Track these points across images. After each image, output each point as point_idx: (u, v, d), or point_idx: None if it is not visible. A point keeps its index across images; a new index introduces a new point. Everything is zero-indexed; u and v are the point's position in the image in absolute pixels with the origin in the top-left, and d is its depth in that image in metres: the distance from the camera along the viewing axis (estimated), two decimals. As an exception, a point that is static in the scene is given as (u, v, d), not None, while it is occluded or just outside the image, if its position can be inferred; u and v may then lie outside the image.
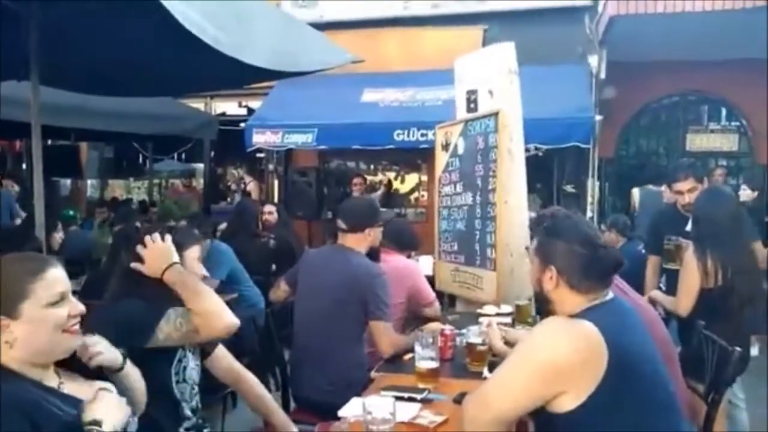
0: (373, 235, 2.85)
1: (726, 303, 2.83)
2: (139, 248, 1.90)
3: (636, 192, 6.11)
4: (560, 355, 1.56)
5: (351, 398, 2.21)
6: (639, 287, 3.88)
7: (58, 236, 4.08)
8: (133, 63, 3.90)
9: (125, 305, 1.86)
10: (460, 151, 4.02)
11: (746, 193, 5.35)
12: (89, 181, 10.65)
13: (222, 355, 2.15)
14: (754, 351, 3.15)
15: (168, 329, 1.83)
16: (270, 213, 5.33)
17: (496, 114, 3.63)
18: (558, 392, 1.57)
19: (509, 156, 3.69)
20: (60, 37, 3.62)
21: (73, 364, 1.51)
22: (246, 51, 2.96)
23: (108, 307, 1.91)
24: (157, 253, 1.89)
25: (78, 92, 4.67)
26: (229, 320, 1.89)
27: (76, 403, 1.40)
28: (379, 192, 7.40)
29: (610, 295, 1.73)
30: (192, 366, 2.01)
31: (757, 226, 3.49)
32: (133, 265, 1.90)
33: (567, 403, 1.57)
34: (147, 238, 1.91)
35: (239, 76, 3.60)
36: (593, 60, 6.83)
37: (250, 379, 2.17)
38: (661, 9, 5.92)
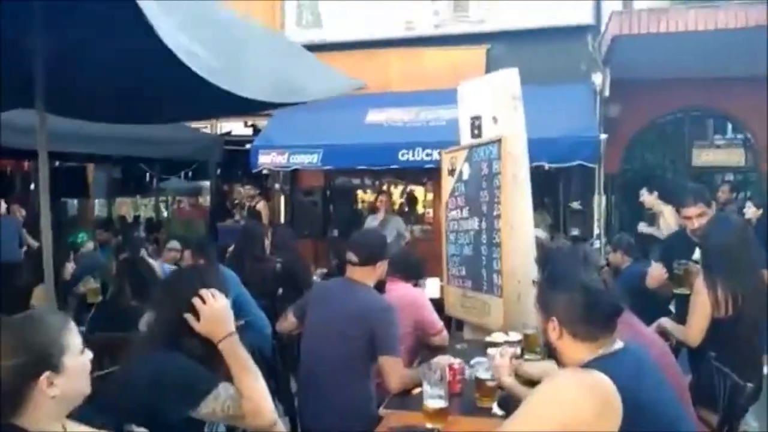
0: (382, 269, 2.86)
1: (736, 331, 2.81)
2: (196, 302, 1.77)
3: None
4: (574, 411, 1.55)
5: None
6: (646, 308, 3.88)
7: (70, 266, 4.09)
8: (135, 91, 3.92)
9: (182, 364, 1.74)
10: (465, 176, 4.03)
11: (751, 211, 5.32)
12: (96, 201, 10.72)
13: None
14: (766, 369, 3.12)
15: (214, 406, 1.71)
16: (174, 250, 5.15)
17: (499, 141, 3.64)
18: None
19: (514, 181, 3.69)
20: (63, 66, 3.65)
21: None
22: (245, 83, 2.95)
23: (158, 357, 1.77)
24: (217, 315, 1.78)
25: (82, 119, 4.70)
26: (274, 415, 1.79)
27: None
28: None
29: (619, 343, 1.72)
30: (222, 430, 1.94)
31: (764, 245, 3.46)
32: (187, 316, 1.77)
33: None
34: (206, 293, 1.78)
35: (241, 105, 3.60)
36: (597, 78, 6.85)
37: None
38: (663, 29, 5.94)
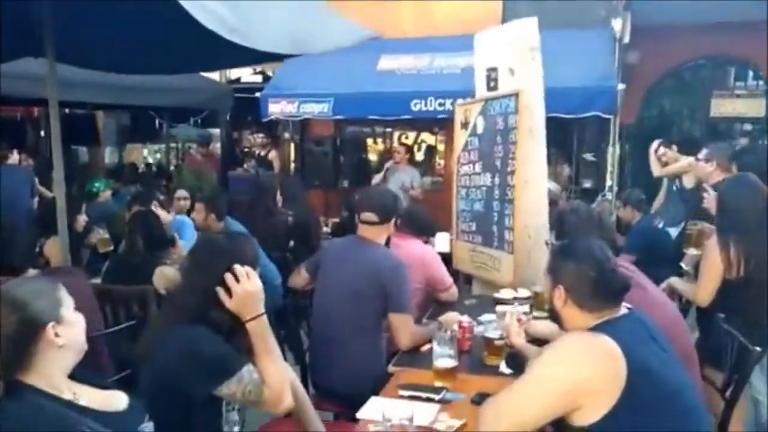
0: (392, 226, 2.86)
1: (746, 293, 2.79)
2: (229, 278, 1.76)
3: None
4: (579, 372, 1.59)
5: (369, 388, 2.27)
6: (655, 261, 3.87)
7: (82, 219, 4.11)
8: (145, 41, 3.86)
9: (213, 340, 1.75)
10: (480, 130, 3.97)
11: None
12: (107, 148, 10.72)
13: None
14: None
15: (236, 389, 1.71)
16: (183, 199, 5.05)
17: (516, 95, 3.56)
18: (578, 406, 1.60)
19: (530, 135, 3.64)
20: (73, 15, 3.59)
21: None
22: (259, 35, 2.88)
23: (189, 331, 1.76)
24: (250, 295, 1.77)
25: (91, 69, 4.64)
26: (291, 402, 1.82)
27: (97, 416, 1.44)
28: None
29: (624, 309, 1.75)
30: None
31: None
32: (219, 291, 1.77)
33: (588, 415, 1.60)
34: (241, 272, 1.77)
35: (252, 56, 3.53)
36: (617, 24, 6.58)
37: (306, 401, 2.16)
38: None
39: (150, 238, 3.50)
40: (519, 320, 2.49)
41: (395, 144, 7.60)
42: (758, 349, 2.29)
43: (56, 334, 1.43)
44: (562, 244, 1.94)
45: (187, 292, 1.86)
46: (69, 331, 1.47)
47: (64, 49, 3.76)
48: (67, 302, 1.50)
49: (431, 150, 8.45)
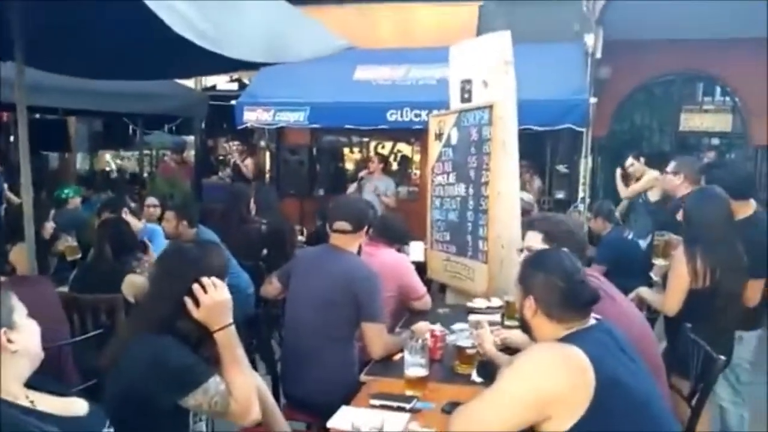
0: (364, 234, 2.86)
1: (712, 303, 2.86)
2: (197, 289, 1.75)
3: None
4: (548, 382, 1.60)
5: (340, 398, 2.25)
6: (626, 272, 3.94)
7: (50, 226, 4.03)
8: (119, 47, 3.81)
9: (180, 350, 1.72)
10: (454, 141, 4.00)
11: None
12: (78, 154, 10.52)
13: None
14: (753, 342, 3.18)
15: (202, 400, 1.70)
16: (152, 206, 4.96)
17: (490, 106, 3.60)
18: (547, 416, 1.61)
19: (503, 147, 3.67)
20: (45, 18, 3.53)
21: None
22: (233, 43, 2.87)
23: (155, 340, 1.73)
24: (218, 305, 1.76)
25: (63, 74, 4.56)
26: (258, 414, 1.80)
27: (57, 421, 1.41)
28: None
29: (592, 321, 1.78)
30: None
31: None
32: (186, 300, 1.75)
33: (557, 425, 1.61)
34: (209, 283, 1.76)
35: (226, 64, 3.51)
36: (589, 39, 6.71)
37: (256, 377, 2.13)
38: (658, -11, 5.83)
39: (119, 246, 3.45)
40: (492, 329, 2.51)
41: (371, 154, 7.64)
42: (722, 358, 2.34)
43: (9, 341, 1.41)
44: (532, 255, 1.96)
45: (155, 301, 1.84)
46: (22, 338, 1.44)
47: (34, 52, 3.69)
48: (20, 309, 1.48)
49: (407, 160, 8.50)
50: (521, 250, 2.49)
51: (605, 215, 4.83)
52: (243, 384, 1.76)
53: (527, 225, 2.57)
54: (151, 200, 5.02)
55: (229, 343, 1.78)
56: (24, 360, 1.45)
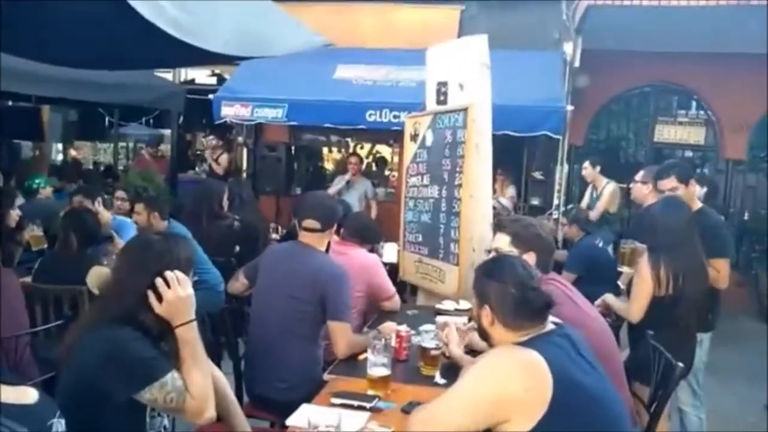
0: (333, 232, 2.86)
1: (674, 311, 2.91)
2: (160, 284, 1.73)
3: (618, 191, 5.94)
4: (506, 385, 1.61)
5: (304, 396, 2.24)
6: (596, 279, 4.00)
7: (15, 214, 3.95)
8: (95, 35, 3.74)
9: (137, 343, 1.70)
10: (429, 143, 4.01)
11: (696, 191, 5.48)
12: (52, 144, 10.33)
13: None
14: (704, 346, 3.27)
15: (158, 395, 1.67)
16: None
17: (465, 109, 3.62)
18: (505, 419, 1.62)
19: (476, 150, 3.69)
20: (20, 3, 3.46)
21: None
22: (210, 36, 2.85)
23: (112, 331, 1.71)
24: (180, 301, 1.74)
25: (38, 61, 4.47)
26: (214, 413, 1.77)
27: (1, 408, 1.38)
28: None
29: (550, 325, 1.79)
30: None
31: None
32: (149, 295, 1.73)
33: (516, 428, 1.61)
34: (172, 279, 1.74)
35: (204, 56, 3.48)
36: (568, 48, 6.79)
37: (220, 377, 2.09)
38: (637, 1, 5.91)
39: (84, 236, 3.38)
40: (456, 330, 2.51)
41: (351, 155, 7.64)
42: (681, 365, 2.37)
43: None
44: (485, 263, 1.95)
45: (117, 292, 1.81)
46: None
47: (7, 38, 3.62)
48: None
49: (384, 161, 8.51)
50: (489, 251, 2.51)
51: (581, 223, 4.90)
52: (201, 381, 1.74)
53: (496, 227, 2.60)
54: (120, 193, 4.95)
55: (190, 339, 1.77)
56: None
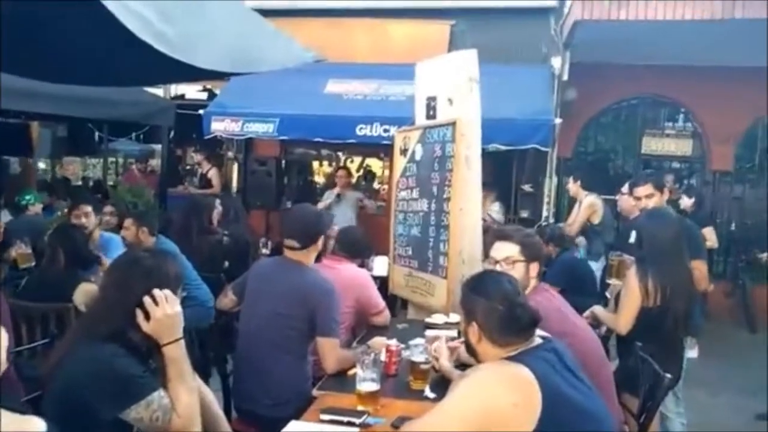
0: (320, 244, 2.84)
1: (662, 322, 2.92)
2: (148, 302, 1.73)
3: (598, 201, 5.98)
4: (495, 401, 1.62)
5: (292, 412, 2.23)
6: (577, 291, 4.04)
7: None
8: (86, 52, 3.74)
9: (123, 361, 1.68)
10: (418, 157, 4.03)
11: (685, 202, 5.53)
12: (41, 160, 10.28)
13: None
14: (693, 353, 3.30)
15: (144, 414, 1.66)
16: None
17: (453, 123, 3.64)
18: None
19: (466, 164, 3.71)
20: (9, 20, 3.46)
21: None
22: (199, 52, 2.85)
23: (99, 348, 1.69)
24: (168, 319, 1.74)
25: (28, 77, 4.46)
26: (199, 428, 1.77)
27: None
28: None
29: (537, 340, 1.79)
30: None
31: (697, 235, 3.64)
32: (137, 313, 1.72)
33: None
34: (160, 297, 1.74)
35: (193, 73, 3.48)
36: (556, 62, 6.87)
37: (208, 393, 2.07)
38: (624, 16, 5.99)
39: (72, 254, 3.36)
40: (446, 344, 2.49)
41: (341, 169, 7.68)
42: (669, 376, 2.38)
43: None
44: (471, 279, 1.95)
45: (105, 310, 1.80)
46: None
47: (-2, 55, 3.61)
48: None
49: (373, 175, 8.54)
50: (497, 263, 2.46)
51: (556, 240, 4.92)
52: (187, 399, 1.73)
53: (500, 236, 2.53)
54: (109, 208, 4.92)
55: (177, 357, 1.76)
56: None
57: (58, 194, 7.04)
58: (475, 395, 1.66)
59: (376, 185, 8.53)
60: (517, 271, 2.36)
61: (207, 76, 4.23)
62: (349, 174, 7.38)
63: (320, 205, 6.81)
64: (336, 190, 6.99)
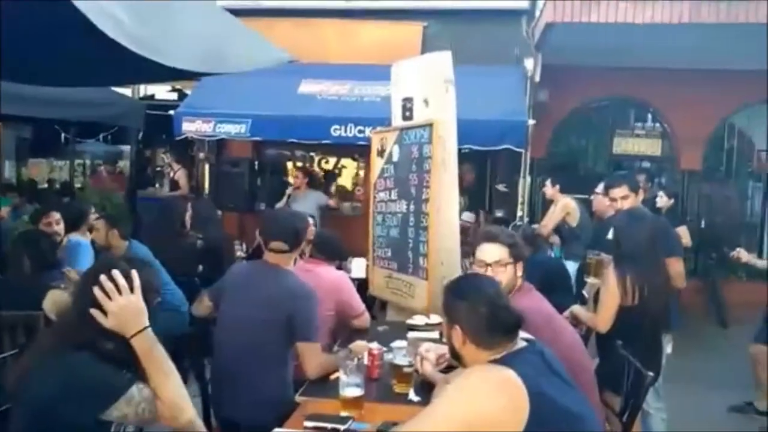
0: (303, 246, 2.81)
1: (641, 320, 2.96)
2: (98, 293, 1.64)
3: (573, 204, 5.98)
4: (482, 405, 1.60)
5: (274, 419, 2.18)
6: (552, 290, 4.05)
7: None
8: (53, 51, 3.63)
9: (90, 369, 1.62)
10: (395, 158, 4.01)
11: (663, 200, 5.63)
12: (7, 162, 9.95)
13: None
14: (668, 349, 3.35)
15: (127, 410, 1.61)
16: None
17: (431, 125, 3.63)
18: None
19: (443, 165, 3.70)
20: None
21: None
22: (170, 51, 2.78)
23: (66, 360, 1.63)
24: (125, 310, 1.65)
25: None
26: (191, 413, 1.71)
27: None
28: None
29: (522, 343, 1.78)
30: None
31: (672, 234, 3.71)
32: (94, 312, 1.64)
33: None
34: (109, 287, 1.64)
35: (164, 73, 3.40)
36: (529, 63, 6.93)
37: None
38: (595, 18, 6.07)
39: (37, 260, 3.23)
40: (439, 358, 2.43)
41: (298, 169, 7.65)
42: (651, 374, 2.40)
43: None
44: (453, 282, 1.93)
45: (76, 319, 1.72)
46: None
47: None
48: None
49: (348, 177, 8.49)
50: (487, 266, 2.42)
51: (530, 240, 4.94)
52: (169, 385, 1.67)
53: (488, 238, 2.49)
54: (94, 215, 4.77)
55: (148, 347, 1.68)
56: None
57: (25, 197, 6.82)
58: (463, 399, 1.64)
59: (349, 186, 8.48)
60: (507, 273, 2.35)
61: (178, 76, 4.14)
62: (306, 174, 7.34)
63: (277, 206, 6.79)
64: (288, 191, 6.94)
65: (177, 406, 1.66)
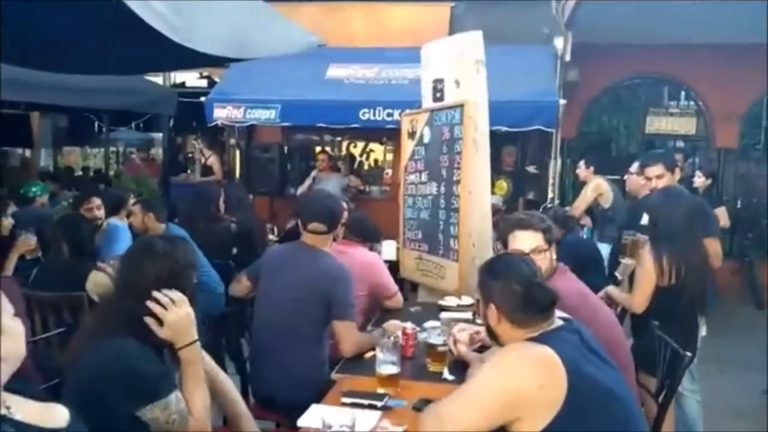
0: (337, 232, 2.85)
1: (677, 301, 2.93)
2: (154, 306, 1.71)
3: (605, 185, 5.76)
4: (519, 382, 1.60)
5: (311, 396, 2.23)
6: (585, 270, 4.02)
7: (7, 222, 3.89)
8: (87, 40, 3.70)
9: (145, 357, 1.68)
10: (426, 140, 4.00)
11: (700, 181, 5.50)
12: (43, 151, 10.23)
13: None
14: (702, 331, 3.30)
15: (160, 414, 1.64)
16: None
17: (461, 105, 3.61)
18: (518, 417, 1.60)
19: (474, 146, 3.69)
20: (8, 9, 3.42)
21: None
22: (204, 38, 2.82)
23: (120, 343, 1.69)
24: (179, 323, 1.72)
25: (28, 67, 4.42)
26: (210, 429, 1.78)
27: None
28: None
29: (559, 321, 1.78)
30: None
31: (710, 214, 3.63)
32: (148, 320, 1.71)
33: (529, 425, 1.60)
34: (165, 299, 1.72)
35: (195, 59, 3.44)
36: (559, 42, 6.80)
37: (226, 379, 2.06)
38: (626, -6, 5.94)
39: (76, 244, 3.33)
40: (473, 335, 2.44)
41: (321, 153, 7.71)
42: (688, 354, 2.38)
43: None
44: (488, 262, 1.95)
45: (120, 297, 1.79)
46: (10, 342, 1.31)
47: (-2, 45, 3.57)
48: (8, 309, 1.35)
49: (377, 160, 8.51)
50: (527, 253, 2.30)
51: (560, 222, 4.89)
52: (201, 401, 1.74)
53: (521, 226, 2.44)
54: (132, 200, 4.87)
55: (194, 360, 1.76)
56: (8, 365, 1.32)
57: (62, 184, 7.01)
58: (501, 377, 1.65)
59: (378, 170, 8.50)
60: (546, 259, 2.34)
61: (208, 62, 4.18)
62: (330, 158, 7.41)
63: (299, 190, 6.85)
64: (313, 174, 6.99)
65: (206, 423, 1.73)
